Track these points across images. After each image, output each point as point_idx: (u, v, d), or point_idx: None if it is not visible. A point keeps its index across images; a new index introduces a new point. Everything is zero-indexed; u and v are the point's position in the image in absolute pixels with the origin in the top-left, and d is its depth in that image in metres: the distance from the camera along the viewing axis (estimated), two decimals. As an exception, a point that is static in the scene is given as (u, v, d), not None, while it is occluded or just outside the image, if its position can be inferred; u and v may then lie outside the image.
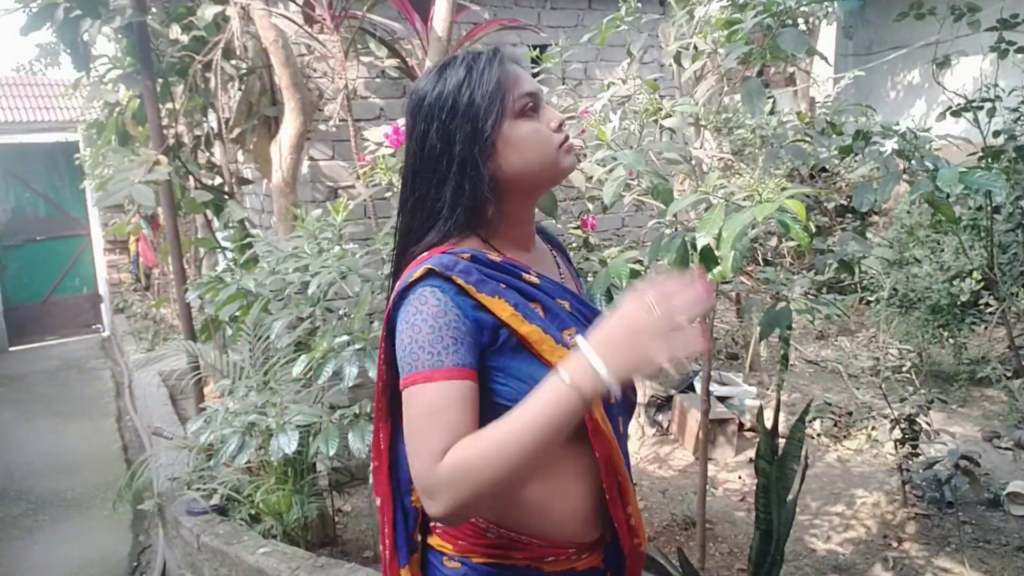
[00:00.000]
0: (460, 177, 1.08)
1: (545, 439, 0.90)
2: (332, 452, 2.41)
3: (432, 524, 1.17)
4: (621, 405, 1.17)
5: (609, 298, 1.95)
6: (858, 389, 4.65)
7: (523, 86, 1.12)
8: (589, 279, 2.07)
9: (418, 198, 1.13)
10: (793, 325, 2.09)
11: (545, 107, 1.14)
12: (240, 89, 3.62)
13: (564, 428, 0.91)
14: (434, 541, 1.16)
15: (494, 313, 1.03)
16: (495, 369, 1.04)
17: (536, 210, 1.26)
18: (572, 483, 1.12)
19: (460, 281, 1.03)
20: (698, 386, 4.03)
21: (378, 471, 1.19)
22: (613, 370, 0.90)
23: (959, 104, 3.98)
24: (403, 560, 1.18)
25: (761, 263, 4.56)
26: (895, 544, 3.18)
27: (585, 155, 2.39)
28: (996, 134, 3.97)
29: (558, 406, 0.91)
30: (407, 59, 3.47)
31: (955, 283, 4.68)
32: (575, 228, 2.88)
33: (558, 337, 1.07)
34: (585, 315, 1.15)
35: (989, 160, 3.79)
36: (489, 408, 1.02)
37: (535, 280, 1.12)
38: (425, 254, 1.09)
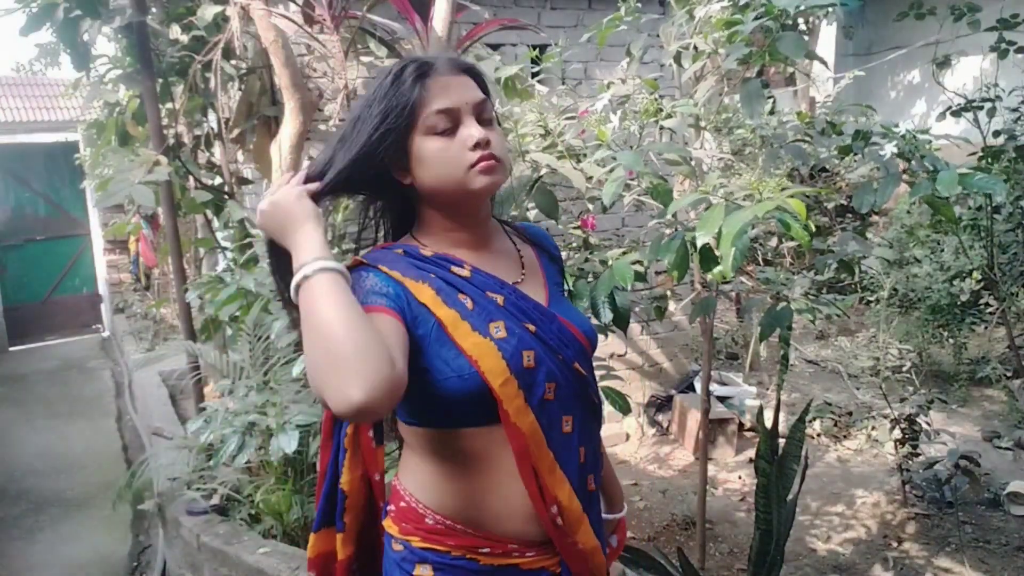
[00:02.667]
0: (377, 184, 1.17)
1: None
2: (332, 452, 2.41)
3: (387, 508, 1.22)
4: (569, 404, 1.16)
5: (612, 301, 1.94)
6: (858, 389, 4.66)
7: (437, 103, 1.09)
8: (590, 280, 2.06)
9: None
10: (793, 325, 2.09)
11: (468, 123, 1.11)
12: (240, 89, 3.62)
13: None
14: (386, 523, 1.22)
15: (416, 297, 1.09)
16: (421, 352, 1.08)
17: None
18: (508, 479, 1.13)
19: (385, 269, 1.10)
20: (698, 386, 4.03)
21: (324, 447, 1.26)
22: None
23: (959, 104, 3.98)
24: (315, 527, 1.29)
25: (761, 263, 4.56)
26: (895, 544, 3.19)
27: (585, 155, 2.39)
28: (996, 134, 3.97)
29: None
30: (407, 59, 3.46)
31: (955, 283, 4.68)
32: (575, 228, 2.88)
33: (476, 324, 1.09)
34: (522, 309, 1.15)
35: (989, 160, 3.79)
36: (418, 393, 1.08)
37: (465, 273, 1.14)
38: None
